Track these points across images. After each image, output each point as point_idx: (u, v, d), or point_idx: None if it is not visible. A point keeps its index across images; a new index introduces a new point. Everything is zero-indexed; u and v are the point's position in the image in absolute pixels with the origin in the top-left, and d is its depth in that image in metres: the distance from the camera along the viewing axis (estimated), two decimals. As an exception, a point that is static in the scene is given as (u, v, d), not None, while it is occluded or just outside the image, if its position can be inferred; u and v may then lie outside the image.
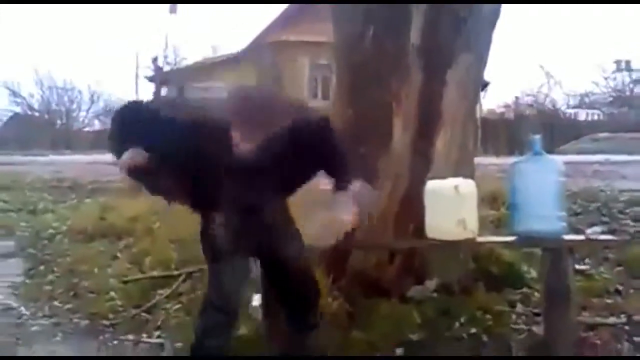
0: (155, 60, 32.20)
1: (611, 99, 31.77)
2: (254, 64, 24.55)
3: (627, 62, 32.58)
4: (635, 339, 3.99)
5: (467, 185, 3.68)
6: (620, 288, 4.66)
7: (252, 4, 26.56)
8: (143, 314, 4.73)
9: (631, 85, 32.46)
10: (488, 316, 4.19)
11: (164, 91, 31.48)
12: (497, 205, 6.21)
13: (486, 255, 4.60)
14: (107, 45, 55.65)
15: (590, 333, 4.06)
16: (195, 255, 5.51)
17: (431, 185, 3.72)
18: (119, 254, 5.89)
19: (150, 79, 32.08)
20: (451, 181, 3.68)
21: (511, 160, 4.24)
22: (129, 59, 38.37)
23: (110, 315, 4.73)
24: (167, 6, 31.61)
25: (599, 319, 4.23)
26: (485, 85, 27.51)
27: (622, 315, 4.26)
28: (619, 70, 32.96)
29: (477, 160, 4.80)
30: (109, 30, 50.41)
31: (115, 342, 4.35)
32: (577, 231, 4.65)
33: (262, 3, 23.27)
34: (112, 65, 55.37)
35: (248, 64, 24.95)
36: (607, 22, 47.91)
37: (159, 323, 4.57)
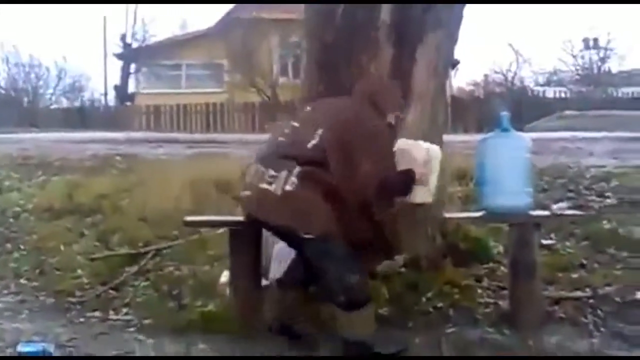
0: (123, 37, 31.80)
1: (578, 77, 32.08)
2: (224, 41, 24.34)
3: (595, 40, 32.91)
4: (600, 312, 4.07)
5: (435, 150, 3.62)
6: (585, 262, 4.73)
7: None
8: (110, 291, 4.70)
9: (599, 63, 32.79)
10: (455, 290, 4.24)
11: (132, 68, 31.15)
12: (466, 181, 6.27)
13: (454, 230, 4.64)
14: (74, 21, 54.70)
15: (556, 307, 4.13)
16: (164, 233, 5.51)
17: (403, 143, 3.66)
18: (86, 232, 5.82)
19: (119, 56, 31.68)
20: (422, 143, 3.62)
21: (480, 137, 4.27)
22: (96, 36, 37.85)
23: (77, 293, 4.70)
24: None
25: (564, 293, 4.30)
26: (455, 63, 27.61)
27: (587, 289, 4.33)
28: (586, 48, 33.27)
29: (446, 137, 4.82)
30: (76, 5, 49.55)
31: (82, 319, 4.31)
32: (544, 207, 4.71)
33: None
34: (79, 42, 54.45)
35: (217, 41, 24.73)
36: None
37: (126, 300, 4.54)
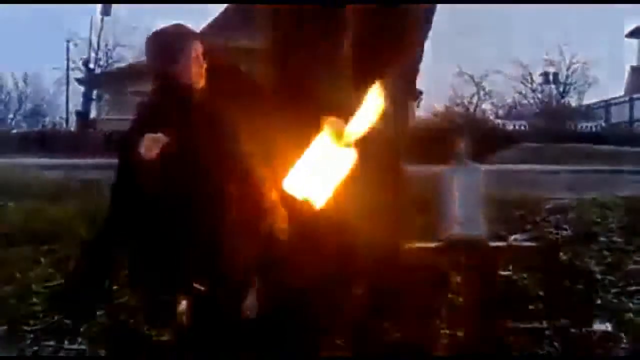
0: (86, 62, 31.62)
1: (538, 110, 32.65)
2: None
3: (555, 75, 33.61)
4: (556, 343, 4.11)
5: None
6: (542, 294, 4.78)
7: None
8: (65, 320, 4.62)
9: (558, 97, 33.47)
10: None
11: (94, 94, 30.94)
12: (426, 212, 6.30)
13: (414, 260, 4.65)
14: (35, 45, 54.28)
15: (513, 338, 4.16)
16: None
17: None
18: (42, 259, 5.73)
19: (81, 82, 31.47)
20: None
21: (440, 168, 4.32)
22: (59, 60, 37.68)
23: (32, 321, 4.61)
24: (99, 7, 31.14)
25: (521, 324, 4.33)
26: (417, 94, 27.88)
27: (544, 321, 4.38)
28: (546, 82, 33.95)
29: (408, 167, 4.86)
30: (40, 29, 49.03)
31: (35, 348, 4.23)
32: (502, 238, 4.77)
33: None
34: (41, 66, 54.02)
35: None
36: (536, 34, 49.29)
37: (81, 329, 4.47)
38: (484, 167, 4.39)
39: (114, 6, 31.76)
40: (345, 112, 3.33)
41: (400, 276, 3.53)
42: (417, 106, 25.89)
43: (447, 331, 4.23)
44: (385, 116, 4.14)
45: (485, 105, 34.07)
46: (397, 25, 4.19)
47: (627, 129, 27.86)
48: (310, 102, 3.63)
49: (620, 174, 12.47)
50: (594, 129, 28.36)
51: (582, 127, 28.82)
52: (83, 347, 4.23)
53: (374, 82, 3.49)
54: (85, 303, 3.73)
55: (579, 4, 32.10)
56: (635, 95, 29.65)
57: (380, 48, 4.11)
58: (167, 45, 2.93)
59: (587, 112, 32.24)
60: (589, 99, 33.72)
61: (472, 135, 4.11)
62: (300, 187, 3.12)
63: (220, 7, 26.16)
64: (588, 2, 31.77)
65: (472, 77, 34.07)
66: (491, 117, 31.93)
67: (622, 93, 33.23)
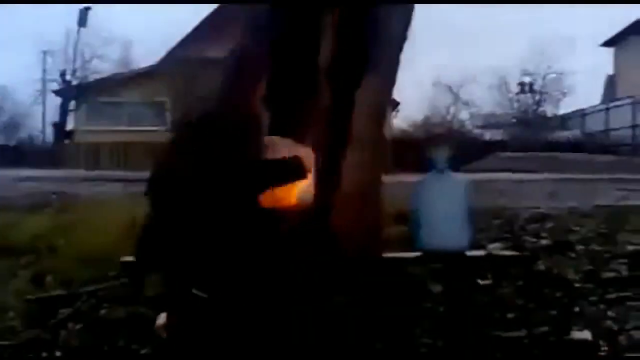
0: (63, 73, 31.44)
1: (515, 120, 32.95)
2: (167, 79, 24.29)
3: (530, 85, 33.95)
4: (535, 352, 4.13)
5: None
6: (521, 303, 4.81)
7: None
8: (43, 335, 4.57)
9: (534, 107, 33.79)
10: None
11: (72, 106, 30.76)
12: (405, 221, 6.33)
13: (393, 270, 4.67)
14: (11, 56, 53.88)
15: (492, 346, 4.18)
16: (100, 273, 5.40)
17: None
18: (19, 272, 5.67)
19: (58, 93, 31.27)
20: None
21: (420, 177, 4.33)
22: (35, 72, 37.39)
23: (9, 336, 4.56)
24: (76, 17, 31.01)
25: (500, 334, 4.35)
26: (395, 104, 28.05)
27: (523, 330, 4.40)
28: (522, 92, 34.29)
29: (387, 178, 4.88)
30: (15, 39, 48.72)
31: (13, 364, 4.18)
32: (480, 247, 4.79)
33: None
34: (17, 78, 53.59)
35: (161, 79, 24.67)
36: (514, 43, 49.84)
37: (60, 343, 4.43)
38: (462, 175, 4.40)
39: (90, 17, 31.67)
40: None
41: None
42: (395, 116, 26.07)
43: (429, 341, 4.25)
44: (362, 129, 4.20)
45: (463, 115, 34.32)
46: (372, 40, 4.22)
47: (603, 137, 28.18)
48: None
49: (596, 182, 12.61)
50: (570, 138, 28.69)
51: (558, 136, 29.14)
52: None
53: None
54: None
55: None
56: (611, 104, 30.02)
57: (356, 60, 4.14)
58: None
59: (563, 121, 32.60)
60: (566, 108, 34.11)
61: (450, 145, 4.12)
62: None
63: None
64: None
65: (449, 87, 34.33)
66: (469, 127, 32.16)
67: (598, 102, 33.67)
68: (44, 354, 4.28)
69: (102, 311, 4.84)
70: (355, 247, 3.89)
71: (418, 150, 4.85)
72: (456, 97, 32.89)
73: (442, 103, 34.71)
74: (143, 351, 4.09)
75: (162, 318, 4.20)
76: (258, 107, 3.53)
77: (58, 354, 4.29)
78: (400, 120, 34.84)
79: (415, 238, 3.96)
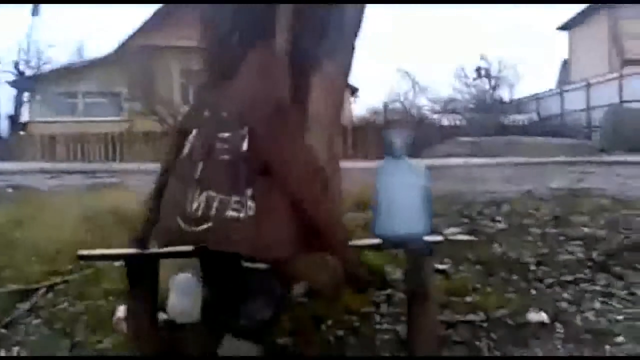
0: (16, 64, 30.85)
1: (472, 105, 33.23)
2: (122, 68, 23.96)
3: (487, 70, 34.25)
4: (493, 335, 4.21)
5: None
6: (479, 286, 4.88)
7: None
8: (1, 330, 4.51)
9: (491, 92, 34.12)
10: (354, 318, 4.29)
11: (26, 96, 30.21)
12: (365, 208, 6.36)
13: (353, 257, 4.69)
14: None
15: (451, 331, 4.24)
16: (58, 267, 5.33)
17: None
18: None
19: (12, 84, 30.67)
20: None
21: (378, 163, 4.35)
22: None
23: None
24: (29, 7, 30.43)
25: (458, 317, 4.42)
26: (354, 91, 28.08)
27: (481, 313, 4.47)
28: (479, 77, 34.58)
29: (347, 164, 4.89)
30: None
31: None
32: (438, 232, 4.84)
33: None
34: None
35: (117, 67, 24.33)
36: (469, 31, 50.23)
37: (18, 339, 4.37)
38: (420, 161, 4.43)
39: (43, 6, 31.08)
40: None
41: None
42: (354, 103, 26.14)
43: (390, 327, 4.30)
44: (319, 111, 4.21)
45: (421, 101, 34.47)
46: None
47: (558, 121, 28.59)
48: None
49: (552, 166, 12.81)
50: (526, 122, 29.04)
51: (514, 120, 29.47)
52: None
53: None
54: None
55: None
56: (565, 88, 30.45)
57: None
58: None
59: (519, 105, 32.98)
60: (521, 92, 34.50)
61: (407, 130, 4.14)
62: None
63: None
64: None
65: (407, 73, 34.43)
66: (427, 112, 32.35)
67: (553, 87, 34.12)
68: (2, 350, 4.24)
69: (61, 305, 4.78)
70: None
71: (379, 136, 4.88)
72: (414, 83, 32.99)
73: (400, 89, 34.86)
74: (102, 345, 4.06)
75: (120, 311, 4.18)
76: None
77: (16, 349, 4.25)
78: (361, 108, 34.99)
79: (374, 224, 3.98)
